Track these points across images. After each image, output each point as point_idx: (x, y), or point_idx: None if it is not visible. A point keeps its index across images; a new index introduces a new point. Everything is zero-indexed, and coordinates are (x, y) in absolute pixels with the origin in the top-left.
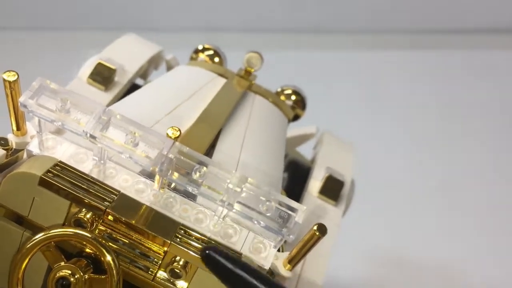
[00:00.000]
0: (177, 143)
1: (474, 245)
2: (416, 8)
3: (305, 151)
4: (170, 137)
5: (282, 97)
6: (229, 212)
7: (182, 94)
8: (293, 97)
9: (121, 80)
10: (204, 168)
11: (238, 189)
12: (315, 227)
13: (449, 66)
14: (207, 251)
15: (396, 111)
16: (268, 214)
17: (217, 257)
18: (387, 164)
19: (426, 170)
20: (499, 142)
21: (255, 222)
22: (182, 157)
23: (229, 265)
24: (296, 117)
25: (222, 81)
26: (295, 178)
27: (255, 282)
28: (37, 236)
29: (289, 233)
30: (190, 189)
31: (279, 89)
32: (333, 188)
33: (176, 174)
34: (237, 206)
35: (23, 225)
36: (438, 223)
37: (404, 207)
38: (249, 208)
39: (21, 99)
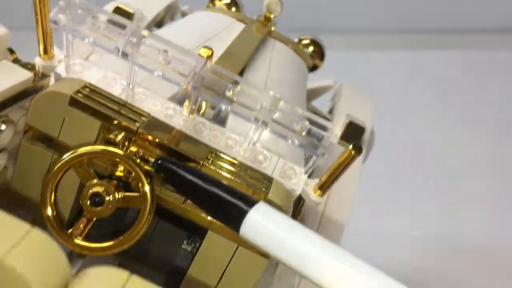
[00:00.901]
0: (209, 61)
1: None
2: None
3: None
4: (202, 56)
5: (301, 46)
6: (261, 134)
7: (201, 36)
8: (312, 47)
9: (139, 25)
10: (238, 86)
11: (273, 108)
12: (350, 146)
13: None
14: (159, 161)
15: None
16: (302, 133)
17: (170, 166)
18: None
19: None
20: None
21: (289, 141)
22: (215, 76)
23: (181, 172)
24: (314, 68)
25: (242, 26)
26: None
27: (207, 186)
28: (68, 153)
29: (323, 151)
30: (223, 107)
31: (297, 39)
32: (354, 134)
33: (209, 92)
34: (271, 125)
35: (53, 148)
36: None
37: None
38: (283, 126)
39: (51, 14)
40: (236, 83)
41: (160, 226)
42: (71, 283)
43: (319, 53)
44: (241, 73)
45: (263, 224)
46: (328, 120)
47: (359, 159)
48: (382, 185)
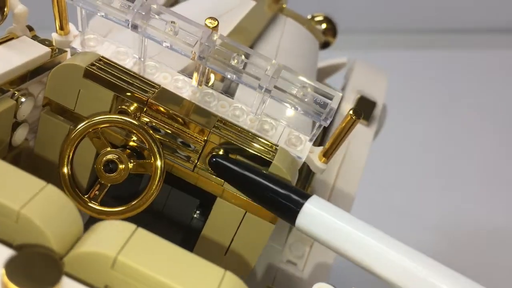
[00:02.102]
0: (215, 32)
1: None
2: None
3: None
4: (208, 26)
5: (313, 23)
6: (266, 104)
7: (213, 13)
8: (324, 24)
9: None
10: (243, 56)
11: (276, 76)
12: (350, 112)
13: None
14: (214, 159)
15: None
16: (305, 100)
17: (224, 162)
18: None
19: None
20: None
21: (293, 108)
22: (220, 46)
23: (236, 168)
24: (326, 44)
25: (253, 3)
26: None
27: (260, 179)
28: (84, 122)
29: (325, 117)
30: (228, 75)
31: (309, 16)
32: (365, 109)
33: (215, 61)
34: (275, 92)
35: (71, 120)
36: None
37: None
38: (287, 93)
39: None
40: (241, 52)
41: (173, 194)
42: (84, 235)
43: (332, 30)
44: (251, 47)
45: (319, 214)
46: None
47: (370, 135)
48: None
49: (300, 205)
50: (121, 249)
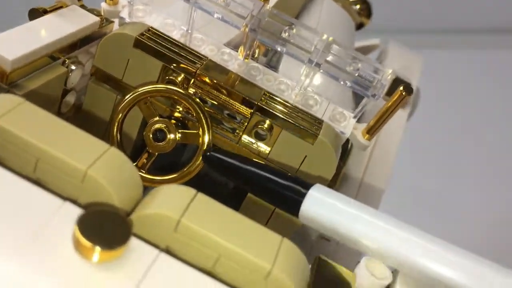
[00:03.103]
0: (266, 4)
1: None
2: None
3: None
4: None
5: (348, 3)
6: (312, 79)
7: None
8: (359, 5)
9: None
10: (293, 29)
11: (326, 50)
12: (401, 87)
13: None
14: (207, 153)
15: None
16: (355, 74)
17: (219, 155)
18: None
19: None
20: None
21: (342, 82)
22: (271, 19)
23: (231, 160)
24: (360, 25)
25: None
26: None
27: (259, 171)
28: (137, 90)
29: (374, 92)
30: (279, 48)
31: None
32: None
33: (266, 34)
34: (324, 66)
35: (118, 89)
36: None
37: None
38: (336, 67)
39: None
40: (291, 25)
41: None
42: (144, 199)
43: (366, 10)
44: None
45: (324, 201)
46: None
47: (403, 118)
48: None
49: (303, 195)
50: (184, 212)
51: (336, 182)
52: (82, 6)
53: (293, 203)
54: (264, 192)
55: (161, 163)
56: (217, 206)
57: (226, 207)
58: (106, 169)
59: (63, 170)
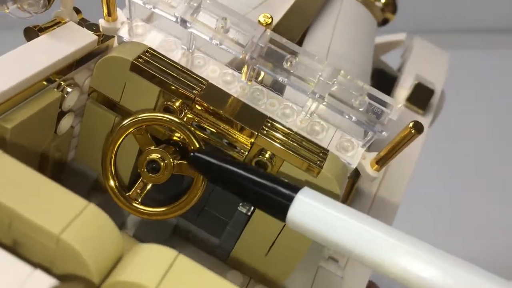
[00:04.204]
0: (268, 30)
1: None
2: None
3: (392, 60)
4: (262, 24)
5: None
6: (319, 105)
7: None
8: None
9: None
10: (296, 58)
11: (330, 82)
12: (410, 124)
13: None
14: (192, 154)
15: None
16: (360, 109)
17: (205, 157)
18: None
19: None
20: None
21: (346, 116)
22: (273, 46)
23: (217, 162)
24: (385, 21)
25: None
26: (380, 88)
27: (245, 173)
28: (128, 119)
29: (382, 129)
30: (280, 79)
31: None
32: (421, 96)
33: (266, 63)
34: (328, 99)
35: (116, 111)
36: None
37: None
38: (341, 101)
39: None
40: (294, 53)
41: (216, 191)
42: (123, 259)
43: (391, 5)
44: (306, 30)
45: (312, 206)
46: (395, 77)
47: (425, 125)
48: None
49: (291, 198)
50: (161, 280)
51: (348, 198)
52: (82, 20)
53: (280, 208)
54: (251, 195)
55: (160, 189)
56: (199, 271)
57: (210, 272)
58: (82, 232)
59: (36, 233)
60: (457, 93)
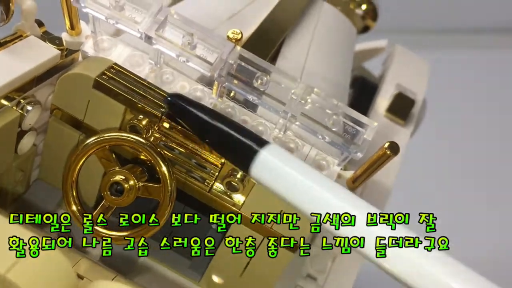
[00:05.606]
0: (238, 47)
1: None
2: None
3: (373, 67)
4: (231, 39)
5: (352, 5)
6: (291, 124)
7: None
8: (364, 6)
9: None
10: (267, 75)
11: (303, 101)
12: (386, 145)
13: None
14: (169, 98)
15: None
16: (334, 129)
17: (181, 103)
18: None
19: None
20: None
21: (320, 136)
22: (243, 63)
23: (193, 109)
24: (366, 29)
25: None
26: (361, 96)
27: (219, 124)
28: (91, 139)
29: (356, 150)
30: (250, 98)
31: None
32: (402, 107)
33: (236, 81)
34: (300, 119)
35: (81, 130)
36: None
37: None
38: (314, 121)
39: None
40: (266, 71)
41: (186, 212)
42: None
43: (372, 12)
44: (285, 39)
45: (275, 163)
46: (377, 85)
47: (406, 135)
48: None
49: (255, 152)
50: None
51: None
52: (45, 33)
53: (245, 160)
54: (218, 144)
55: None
56: None
57: None
58: (30, 271)
59: None
60: (455, 94)
